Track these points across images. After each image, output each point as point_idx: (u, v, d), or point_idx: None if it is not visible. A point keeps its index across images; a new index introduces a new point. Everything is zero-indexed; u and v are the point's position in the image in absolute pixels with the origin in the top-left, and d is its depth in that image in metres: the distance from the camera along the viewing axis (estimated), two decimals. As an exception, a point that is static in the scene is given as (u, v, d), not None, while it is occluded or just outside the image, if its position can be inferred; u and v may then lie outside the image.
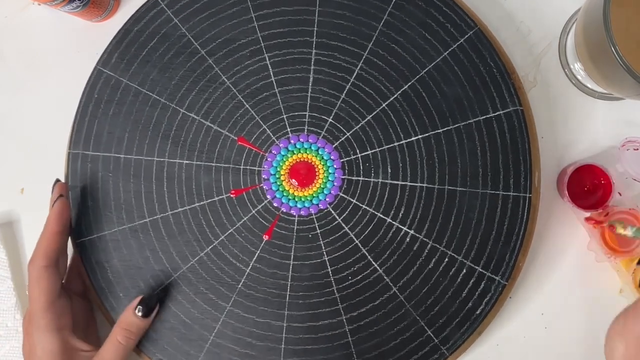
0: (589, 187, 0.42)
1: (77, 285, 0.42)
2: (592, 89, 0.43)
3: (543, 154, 0.41)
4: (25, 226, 0.46)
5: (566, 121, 0.43)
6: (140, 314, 0.39)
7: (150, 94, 0.43)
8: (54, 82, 0.47)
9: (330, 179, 0.42)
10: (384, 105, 0.42)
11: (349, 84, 0.42)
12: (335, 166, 0.42)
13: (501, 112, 0.40)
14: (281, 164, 0.42)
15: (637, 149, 0.41)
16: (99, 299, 0.42)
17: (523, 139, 0.40)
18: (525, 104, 0.41)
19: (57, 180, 0.42)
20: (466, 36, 0.41)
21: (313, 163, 0.42)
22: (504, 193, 0.40)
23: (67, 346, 0.38)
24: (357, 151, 0.42)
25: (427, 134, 0.41)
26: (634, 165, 0.41)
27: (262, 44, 0.43)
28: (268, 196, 0.42)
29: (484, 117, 0.41)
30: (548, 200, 0.42)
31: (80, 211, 0.42)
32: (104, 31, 0.45)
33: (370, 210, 0.41)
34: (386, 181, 0.41)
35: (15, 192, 0.46)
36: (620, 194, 0.41)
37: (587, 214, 0.41)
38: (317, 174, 0.42)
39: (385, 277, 0.40)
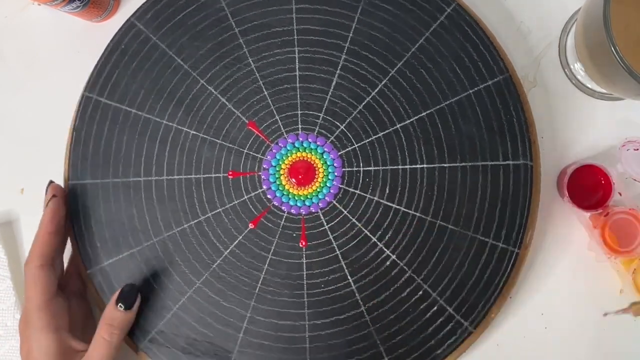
0: (589, 187, 0.41)
1: (75, 285, 0.42)
2: (592, 89, 0.43)
3: (543, 154, 0.42)
4: (24, 226, 0.46)
5: (566, 121, 0.43)
6: (122, 307, 0.39)
7: (176, 57, 0.43)
8: (54, 82, 0.47)
9: (327, 184, 0.42)
10: (398, 126, 0.41)
11: (370, 97, 0.42)
12: (335, 173, 0.42)
13: (511, 162, 0.40)
14: (284, 158, 0.42)
15: (637, 149, 0.41)
16: (76, 244, 0.42)
17: (526, 194, 0.40)
18: (536, 161, 0.41)
19: (51, 182, 0.42)
20: (495, 79, 0.41)
21: (315, 165, 0.42)
22: (493, 242, 0.40)
23: (64, 346, 0.37)
24: (361, 164, 0.42)
25: (432, 165, 0.41)
26: (634, 165, 0.41)
27: (296, 37, 0.43)
28: (264, 186, 0.42)
29: (493, 163, 0.40)
30: (548, 200, 0.42)
31: (80, 154, 0.43)
32: (104, 31, 0.45)
33: (359, 225, 0.41)
34: (381, 201, 0.41)
35: (15, 192, 0.46)
36: (620, 194, 0.40)
37: (587, 214, 0.41)
38: (316, 176, 0.42)
39: (356, 294, 0.40)
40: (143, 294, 0.41)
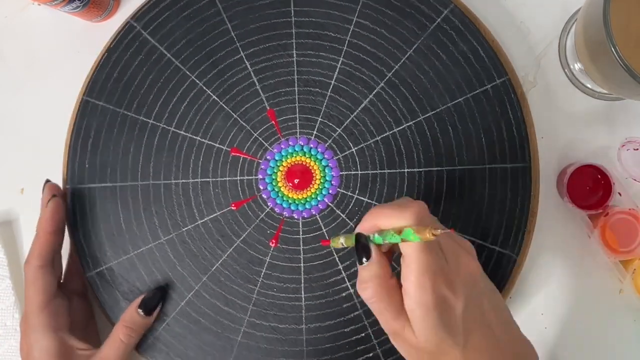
0: (589, 187, 0.41)
1: (77, 285, 0.42)
2: (592, 89, 0.43)
3: (543, 154, 0.41)
4: (24, 225, 0.46)
5: (566, 121, 0.43)
6: (142, 312, 0.39)
7: (227, 22, 0.43)
8: (54, 82, 0.46)
9: (318, 198, 0.42)
10: (405, 170, 0.41)
11: (390, 132, 0.41)
12: (330, 191, 0.42)
13: (497, 249, 0.40)
14: (287, 157, 0.42)
15: (637, 149, 0.41)
16: (66, 162, 0.42)
17: (500, 282, 0.40)
18: (522, 255, 0.40)
19: (47, 181, 0.41)
20: (515, 165, 0.40)
21: (314, 175, 0.42)
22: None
23: (63, 346, 0.37)
24: (357, 191, 0.41)
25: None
26: (633, 165, 0.41)
27: (345, 48, 0.42)
28: (259, 175, 0.42)
29: (481, 242, 0.40)
30: (548, 200, 0.42)
31: (104, 76, 0.43)
32: (104, 31, 0.45)
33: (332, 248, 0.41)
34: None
35: (15, 192, 0.46)
36: (620, 194, 0.40)
37: (587, 214, 0.41)
38: (310, 186, 0.42)
39: (302, 311, 0.40)
40: (109, 227, 0.41)
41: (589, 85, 0.43)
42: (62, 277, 0.42)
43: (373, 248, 0.30)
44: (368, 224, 0.31)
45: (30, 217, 0.44)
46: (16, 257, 0.45)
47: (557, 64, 0.43)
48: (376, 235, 0.30)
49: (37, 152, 0.46)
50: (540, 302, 0.42)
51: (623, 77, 0.34)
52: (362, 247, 0.31)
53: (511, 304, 0.42)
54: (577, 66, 0.43)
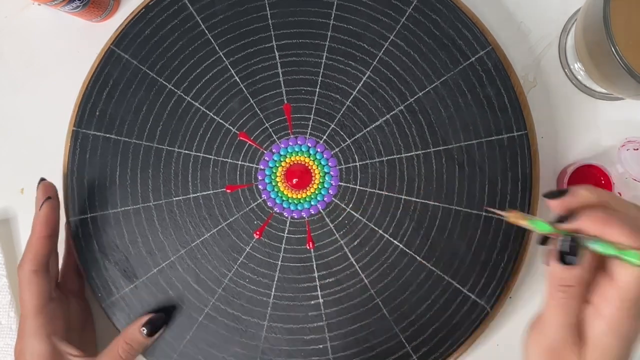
0: None
1: (73, 284, 0.42)
2: (592, 89, 0.42)
3: (543, 154, 0.41)
4: (22, 224, 0.45)
5: (566, 121, 0.43)
6: (145, 332, 0.38)
7: (267, 10, 0.43)
8: (54, 82, 0.46)
9: (312, 202, 0.41)
10: (402, 197, 0.41)
11: (397, 156, 0.41)
12: (325, 199, 0.41)
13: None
14: (292, 155, 0.42)
15: (637, 149, 0.41)
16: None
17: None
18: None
19: (42, 179, 0.40)
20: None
21: (313, 179, 0.41)
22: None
23: (55, 352, 0.37)
24: (350, 205, 0.41)
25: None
26: (634, 165, 0.40)
27: (374, 63, 0.42)
28: (260, 165, 0.41)
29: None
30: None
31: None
32: (104, 31, 0.44)
33: (311, 252, 0.40)
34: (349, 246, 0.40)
35: (14, 192, 0.46)
36: (620, 194, 0.40)
37: None
38: (307, 188, 0.41)
39: (268, 308, 0.39)
40: (103, 177, 0.40)
41: (589, 85, 0.43)
42: (60, 276, 0.40)
43: (586, 253, 0.27)
44: (593, 229, 0.26)
45: (29, 216, 0.41)
46: (13, 256, 0.44)
47: (557, 64, 0.43)
48: (599, 241, 0.26)
49: (37, 152, 0.46)
50: (540, 302, 0.39)
51: (623, 77, 0.34)
52: (573, 248, 0.27)
53: (511, 304, 0.41)
54: (577, 66, 0.43)
